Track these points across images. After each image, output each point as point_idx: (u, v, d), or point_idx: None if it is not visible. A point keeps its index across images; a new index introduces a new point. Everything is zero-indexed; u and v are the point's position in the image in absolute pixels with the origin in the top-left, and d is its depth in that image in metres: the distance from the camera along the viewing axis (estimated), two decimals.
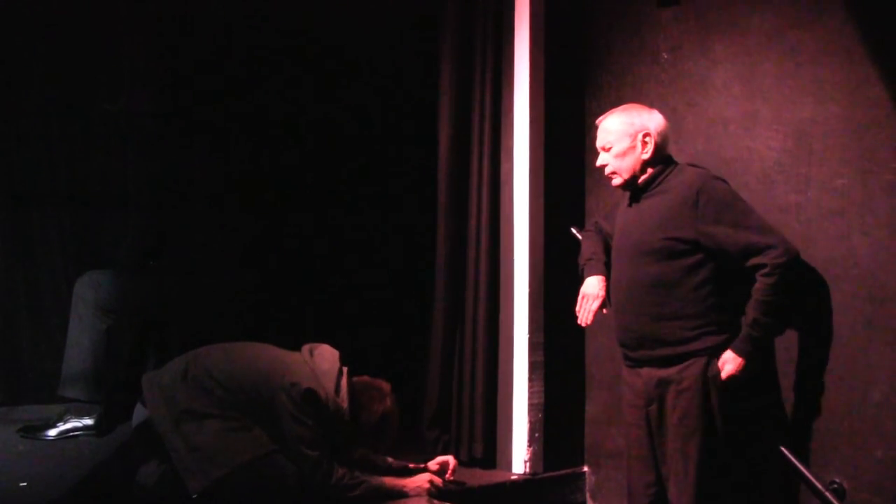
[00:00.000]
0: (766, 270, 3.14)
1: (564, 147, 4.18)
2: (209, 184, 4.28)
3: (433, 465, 3.69)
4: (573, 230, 4.02)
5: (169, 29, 4.34)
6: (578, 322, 3.53)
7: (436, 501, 3.39)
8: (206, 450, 3.12)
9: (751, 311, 3.17)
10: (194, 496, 3.09)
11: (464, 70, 4.19)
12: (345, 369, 3.38)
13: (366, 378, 3.47)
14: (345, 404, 3.30)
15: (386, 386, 3.46)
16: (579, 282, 3.56)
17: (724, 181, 3.31)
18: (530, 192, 4.07)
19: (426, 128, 4.37)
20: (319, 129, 4.91)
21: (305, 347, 3.43)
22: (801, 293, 3.44)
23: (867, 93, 3.33)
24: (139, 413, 3.30)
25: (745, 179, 3.59)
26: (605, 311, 3.50)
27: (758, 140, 3.60)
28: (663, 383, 3.27)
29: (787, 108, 3.53)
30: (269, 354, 3.38)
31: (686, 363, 3.23)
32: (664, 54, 3.91)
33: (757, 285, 3.16)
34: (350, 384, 3.36)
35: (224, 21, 4.49)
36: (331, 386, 3.28)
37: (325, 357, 3.38)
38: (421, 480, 3.48)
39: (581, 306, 3.52)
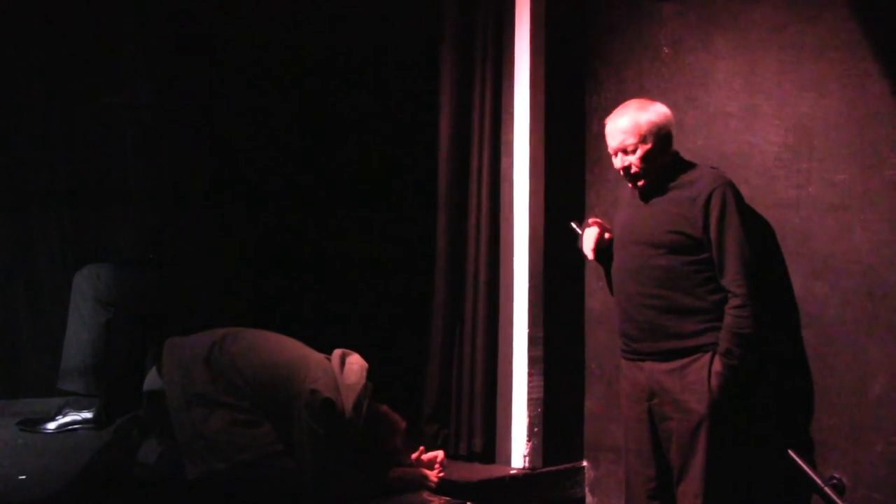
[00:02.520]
0: (736, 302, 3.18)
1: (564, 142, 4.17)
2: (209, 177, 4.26)
3: (425, 458, 3.67)
4: (572, 224, 4.01)
5: (170, 22, 4.32)
6: (584, 253, 3.56)
7: (435, 497, 3.38)
8: (211, 439, 3.11)
9: (723, 341, 3.19)
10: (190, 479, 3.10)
11: (464, 65, 4.18)
12: (370, 386, 3.33)
13: (385, 407, 3.42)
14: (360, 423, 3.25)
15: (403, 423, 3.43)
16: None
17: (740, 195, 3.30)
18: (530, 187, 4.06)
19: (426, 123, 4.36)
20: (319, 124, 4.90)
21: (337, 353, 3.39)
22: (802, 288, 3.44)
23: (868, 88, 3.33)
24: (153, 379, 3.29)
25: (745, 174, 3.58)
26: (606, 235, 3.51)
27: (758, 135, 3.59)
28: (668, 377, 3.27)
29: (788, 103, 3.52)
30: (295, 352, 3.34)
31: (691, 357, 3.24)
32: (665, 49, 3.90)
33: (727, 313, 3.19)
34: (371, 407, 3.32)
35: (225, 16, 4.48)
36: (351, 402, 3.23)
37: (354, 370, 3.32)
38: (420, 474, 3.47)
39: (583, 245, 3.56)
